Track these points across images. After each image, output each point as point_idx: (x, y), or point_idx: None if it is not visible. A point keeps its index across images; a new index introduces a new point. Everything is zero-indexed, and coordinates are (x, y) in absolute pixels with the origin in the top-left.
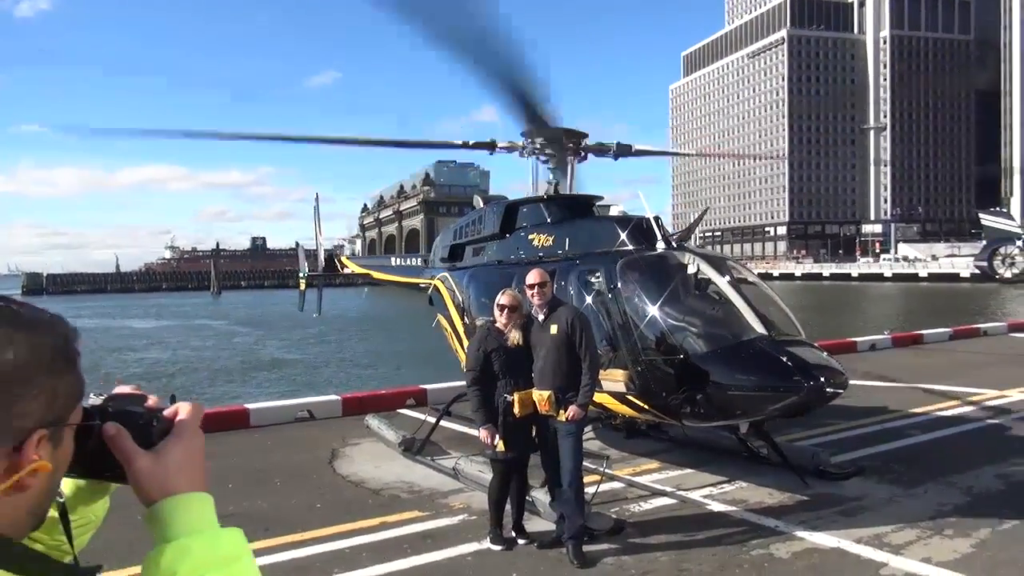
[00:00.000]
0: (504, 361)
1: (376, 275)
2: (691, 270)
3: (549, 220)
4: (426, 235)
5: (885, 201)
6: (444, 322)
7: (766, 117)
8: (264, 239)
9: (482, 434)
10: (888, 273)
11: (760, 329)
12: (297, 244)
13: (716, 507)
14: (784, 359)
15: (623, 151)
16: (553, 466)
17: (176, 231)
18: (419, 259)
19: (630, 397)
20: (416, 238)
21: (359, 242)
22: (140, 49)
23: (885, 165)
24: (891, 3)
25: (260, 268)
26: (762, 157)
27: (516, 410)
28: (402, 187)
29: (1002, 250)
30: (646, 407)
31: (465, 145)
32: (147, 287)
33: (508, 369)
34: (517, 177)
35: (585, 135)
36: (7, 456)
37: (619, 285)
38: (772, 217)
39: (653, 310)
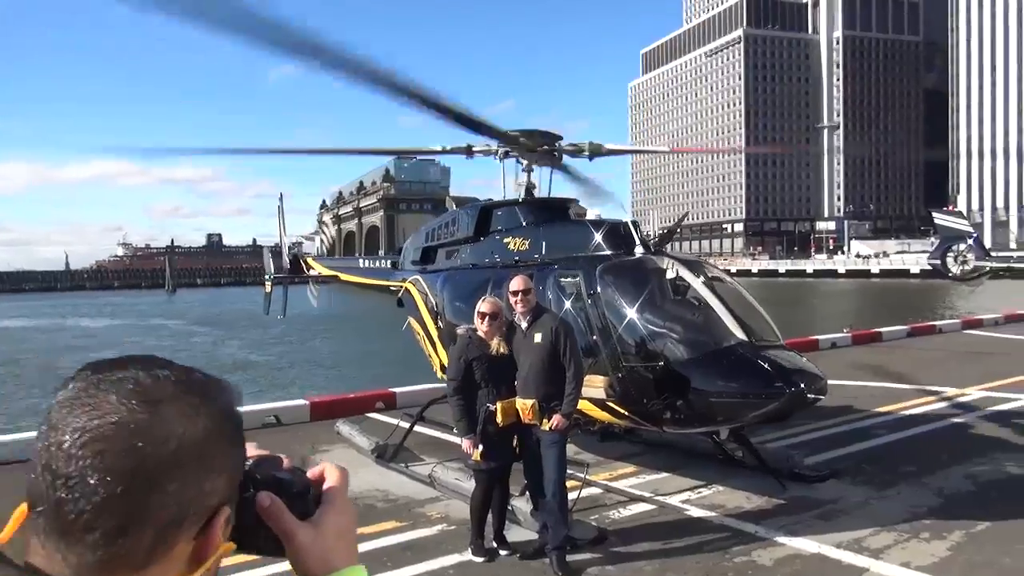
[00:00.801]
0: (486, 370)
1: (344, 277)
2: (670, 275)
3: (524, 223)
4: (386, 232)
5: (838, 199)
6: (416, 325)
7: (723, 115)
8: (220, 236)
9: (465, 444)
10: (842, 270)
11: (740, 335)
12: (258, 244)
13: (695, 512)
14: (765, 365)
15: (596, 151)
16: (536, 476)
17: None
18: (388, 261)
19: (610, 403)
20: (376, 235)
21: (317, 238)
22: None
23: (838, 163)
24: (843, 4)
25: (216, 265)
26: (732, 151)
27: (499, 419)
28: (362, 183)
29: (954, 248)
30: (626, 413)
31: (444, 151)
32: (99, 285)
33: (491, 378)
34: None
35: (559, 137)
36: (191, 540)
37: (599, 290)
38: (730, 214)
39: (633, 316)
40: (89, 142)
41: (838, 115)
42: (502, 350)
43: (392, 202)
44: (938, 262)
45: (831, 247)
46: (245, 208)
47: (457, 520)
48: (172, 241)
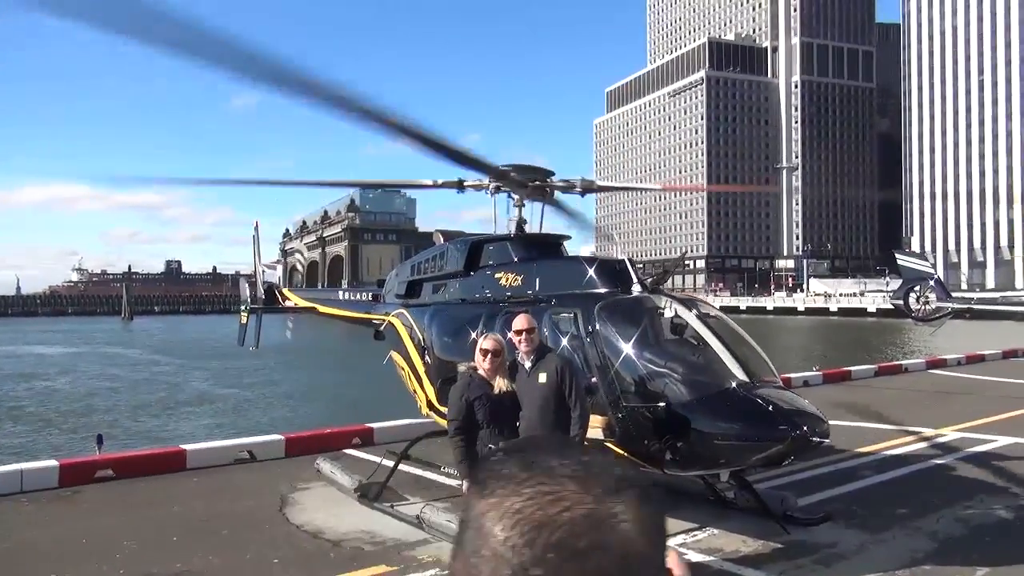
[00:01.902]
0: (489, 410)
1: (322, 309)
2: (668, 314)
3: (516, 259)
4: (350, 262)
5: (797, 238)
6: (400, 360)
7: (686, 154)
8: (179, 263)
9: (466, 488)
10: (801, 307)
11: (741, 375)
12: (219, 272)
13: (694, 557)
14: (768, 407)
15: (588, 187)
16: None
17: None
18: (369, 293)
19: (608, 444)
20: (340, 265)
21: (279, 268)
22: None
23: (797, 203)
24: (801, 50)
25: (175, 293)
26: (721, 190)
27: None
28: (326, 212)
29: (916, 289)
30: (626, 454)
31: (434, 184)
32: (52, 311)
33: (493, 418)
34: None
35: (551, 172)
36: None
37: (597, 328)
38: (691, 251)
39: (633, 355)
40: (45, 167)
41: (796, 157)
42: (505, 389)
43: (357, 232)
44: (901, 302)
45: (790, 285)
46: (205, 235)
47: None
48: (129, 267)
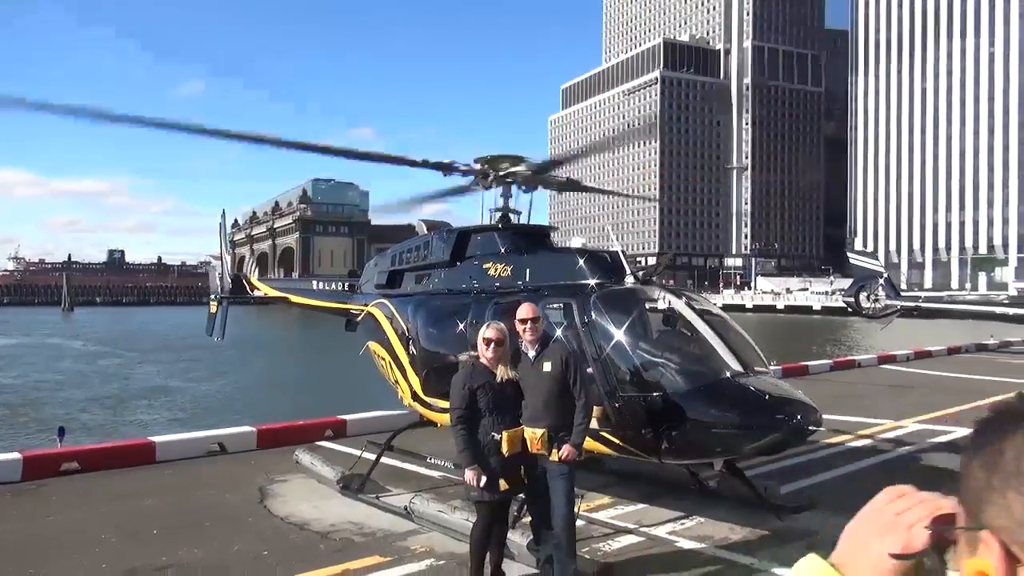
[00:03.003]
0: (491, 398)
1: (294, 299)
2: (662, 305)
3: (505, 250)
4: (301, 254)
5: (746, 237)
6: (381, 350)
7: (640, 152)
8: (123, 252)
9: (468, 475)
10: (749, 304)
11: (736, 366)
12: (164, 262)
13: (685, 544)
14: (765, 396)
15: (572, 186)
16: (541, 508)
17: (21, 241)
18: (344, 283)
19: (604, 434)
20: (291, 256)
21: (210, 267)
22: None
23: (746, 203)
24: (752, 53)
25: (118, 283)
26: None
27: (505, 449)
28: (277, 203)
29: (867, 287)
30: (622, 444)
31: (424, 163)
32: None
33: (496, 406)
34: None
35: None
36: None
37: (593, 319)
38: (643, 247)
39: (629, 345)
40: None
41: (747, 157)
42: (507, 377)
43: (309, 224)
44: (852, 299)
45: (738, 283)
46: (149, 224)
47: (443, 554)
48: (69, 256)
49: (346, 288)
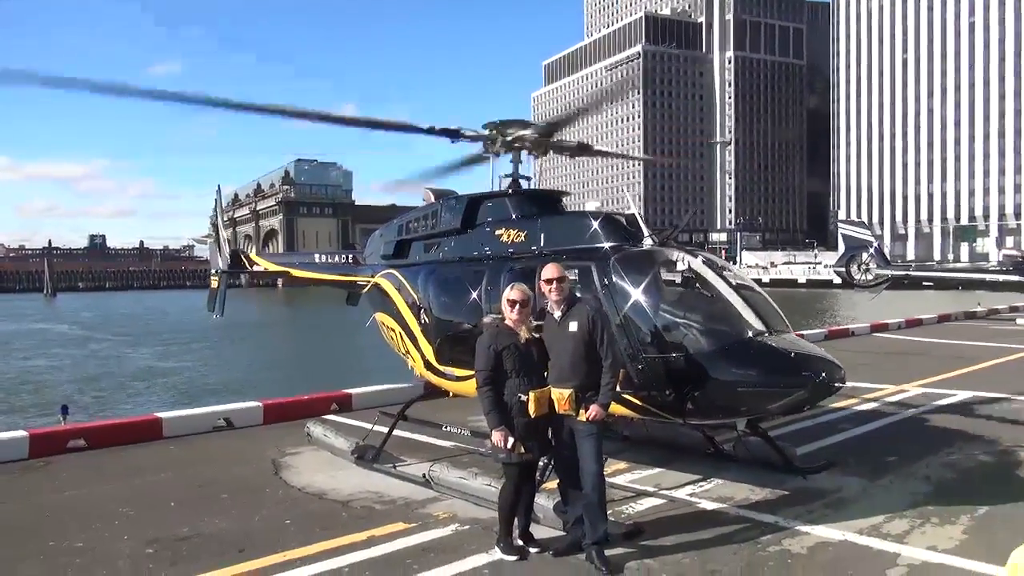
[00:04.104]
0: (517, 359)
1: (296, 273)
2: (682, 267)
3: (518, 215)
4: (285, 235)
5: (730, 211)
6: (390, 321)
7: (623, 128)
8: (104, 237)
9: (496, 436)
10: None
11: (758, 325)
12: (146, 246)
13: (707, 505)
14: (791, 354)
15: (584, 150)
16: (568, 469)
17: None
18: (347, 256)
19: (627, 396)
20: (274, 238)
21: (209, 242)
22: None
23: (730, 177)
24: (735, 26)
25: (99, 269)
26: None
27: (532, 410)
28: (259, 185)
29: (858, 257)
30: (646, 405)
31: (430, 130)
32: None
33: (521, 367)
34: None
35: (552, 129)
36: None
37: (614, 280)
38: None
39: (651, 306)
40: None
41: (730, 132)
42: (532, 338)
43: (292, 205)
44: (843, 270)
45: (724, 257)
46: (128, 209)
47: (466, 519)
48: (50, 242)
49: (350, 260)
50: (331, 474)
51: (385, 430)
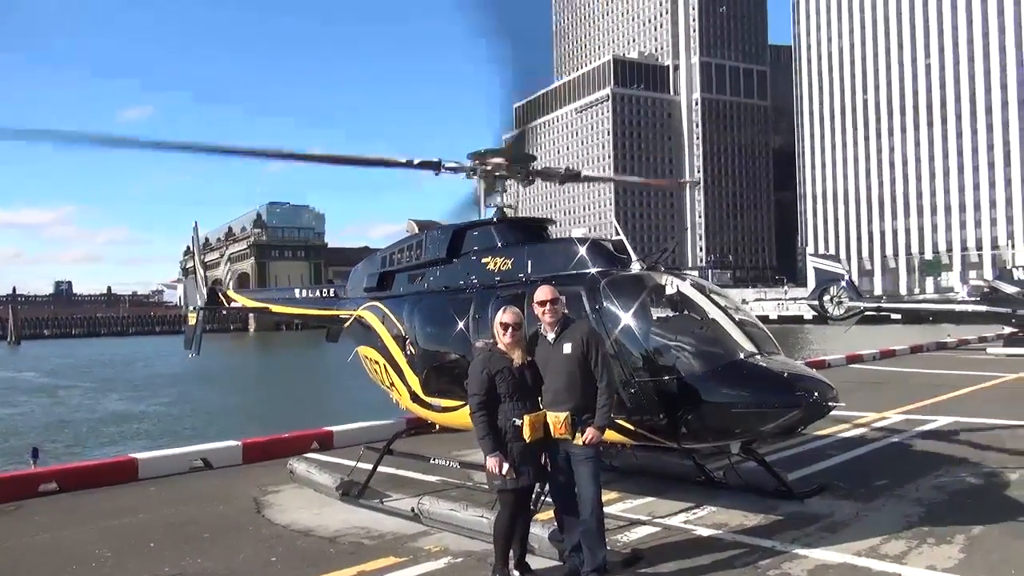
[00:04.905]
0: (511, 383)
1: (276, 308)
2: (671, 291)
3: (504, 243)
4: (257, 279)
5: (701, 249)
6: (374, 354)
7: (594, 168)
8: (70, 283)
9: (490, 463)
10: None
11: (750, 347)
12: (114, 292)
13: (703, 532)
14: (783, 375)
15: (570, 177)
16: (564, 495)
17: None
18: (329, 290)
19: (620, 421)
20: (246, 282)
21: (180, 287)
22: None
23: (700, 215)
24: (701, 69)
25: (66, 315)
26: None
27: (527, 434)
28: (230, 229)
29: (831, 290)
30: (639, 430)
31: (409, 164)
32: None
33: (515, 391)
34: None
35: (534, 158)
36: None
37: (604, 305)
38: None
39: (642, 330)
40: None
41: (699, 171)
42: (525, 361)
43: (263, 248)
44: (816, 303)
45: None
46: (95, 255)
47: (459, 552)
48: (14, 289)
49: (332, 294)
50: (316, 511)
51: (370, 466)
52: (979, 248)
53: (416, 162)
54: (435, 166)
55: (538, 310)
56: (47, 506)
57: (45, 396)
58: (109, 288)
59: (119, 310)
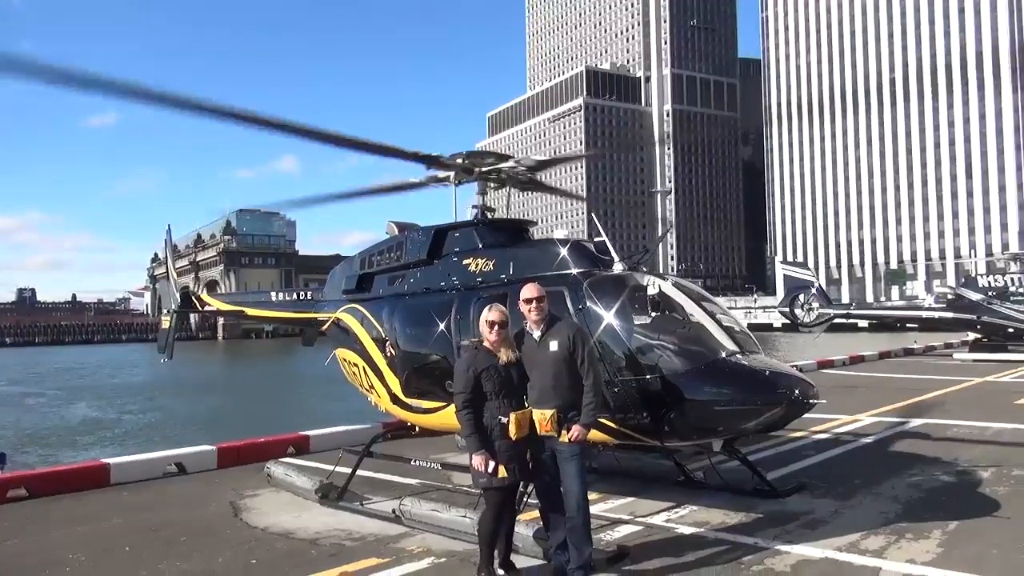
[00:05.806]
0: (497, 381)
1: (251, 312)
2: (652, 291)
3: (485, 244)
4: (226, 287)
5: (672, 258)
6: (353, 356)
7: (566, 177)
8: (33, 291)
9: (476, 460)
10: None
11: (731, 346)
12: (78, 300)
13: (685, 530)
14: (765, 372)
15: (535, 186)
16: (550, 493)
17: None
18: (305, 293)
19: (603, 420)
20: (215, 289)
21: (147, 295)
22: None
23: (671, 226)
24: (672, 81)
25: (29, 323)
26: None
27: (513, 432)
28: (199, 236)
29: (801, 297)
30: (623, 429)
31: (415, 155)
32: None
33: (501, 389)
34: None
35: (509, 156)
36: None
37: (587, 305)
38: None
39: (625, 330)
40: None
41: (670, 181)
42: (511, 359)
43: (233, 255)
44: (787, 310)
45: None
46: (60, 262)
47: (441, 552)
48: None
49: (309, 297)
50: (295, 514)
51: (348, 469)
52: (943, 258)
53: (421, 154)
54: (431, 160)
55: (524, 308)
56: (17, 512)
57: (13, 404)
58: (74, 295)
59: (84, 318)
